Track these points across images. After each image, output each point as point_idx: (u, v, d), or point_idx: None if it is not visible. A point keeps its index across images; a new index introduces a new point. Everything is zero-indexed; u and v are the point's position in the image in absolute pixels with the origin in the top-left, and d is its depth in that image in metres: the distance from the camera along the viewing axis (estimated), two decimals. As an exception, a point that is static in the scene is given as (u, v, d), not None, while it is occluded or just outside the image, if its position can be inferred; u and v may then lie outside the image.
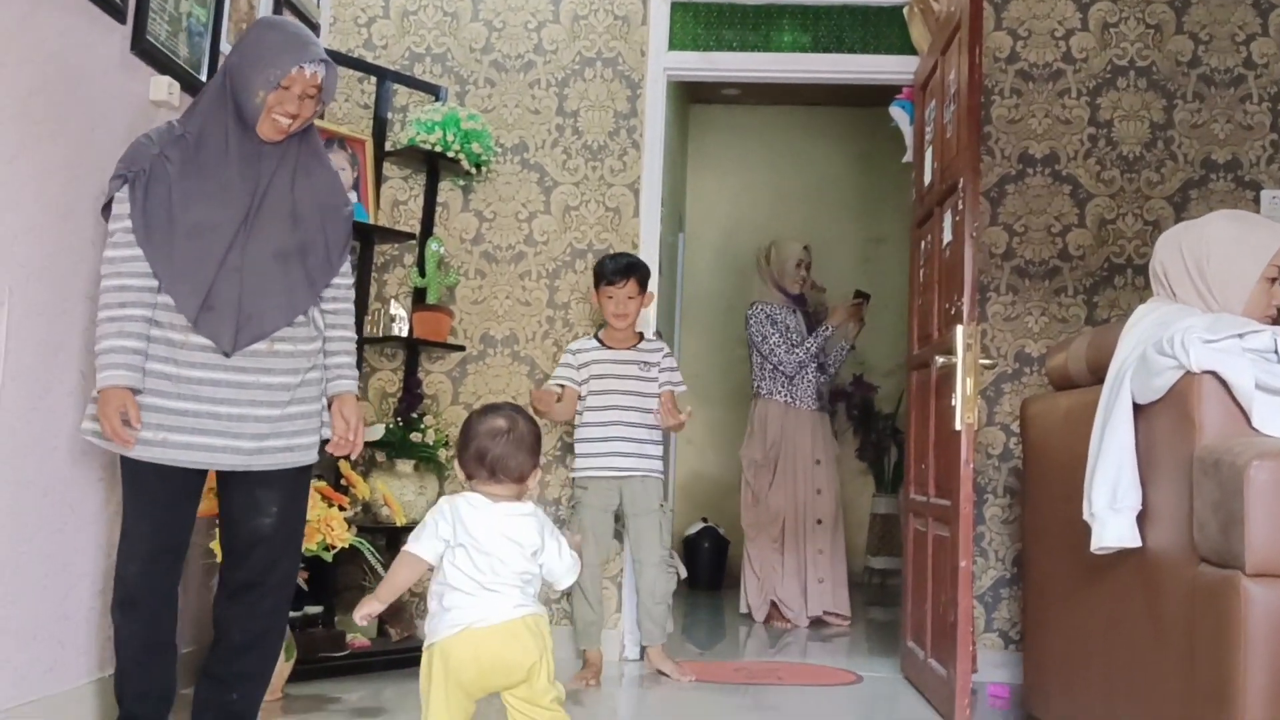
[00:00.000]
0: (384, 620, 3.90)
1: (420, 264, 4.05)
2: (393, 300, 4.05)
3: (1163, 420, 2.29)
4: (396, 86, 4.20)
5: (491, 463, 2.21)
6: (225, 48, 3.28)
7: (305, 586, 3.36)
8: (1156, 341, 2.29)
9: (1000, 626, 3.95)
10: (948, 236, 3.49)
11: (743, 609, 5.19)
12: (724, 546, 6.37)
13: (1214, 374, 2.16)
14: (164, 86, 2.99)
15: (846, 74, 4.31)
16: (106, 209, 2.45)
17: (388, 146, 4.12)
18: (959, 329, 3.22)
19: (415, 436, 3.83)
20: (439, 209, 4.21)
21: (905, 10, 4.15)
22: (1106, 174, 4.05)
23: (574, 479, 3.83)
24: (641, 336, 3.89)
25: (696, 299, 6.92)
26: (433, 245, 4.01)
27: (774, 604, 5.09)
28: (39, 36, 2.54)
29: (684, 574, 4.02)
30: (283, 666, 3.17)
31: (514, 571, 2.17)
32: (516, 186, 4.23)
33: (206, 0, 3.24)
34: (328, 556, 3.20)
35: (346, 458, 2.68)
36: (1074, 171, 4.06)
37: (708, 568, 6.27)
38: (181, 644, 2.62)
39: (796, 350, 5.07)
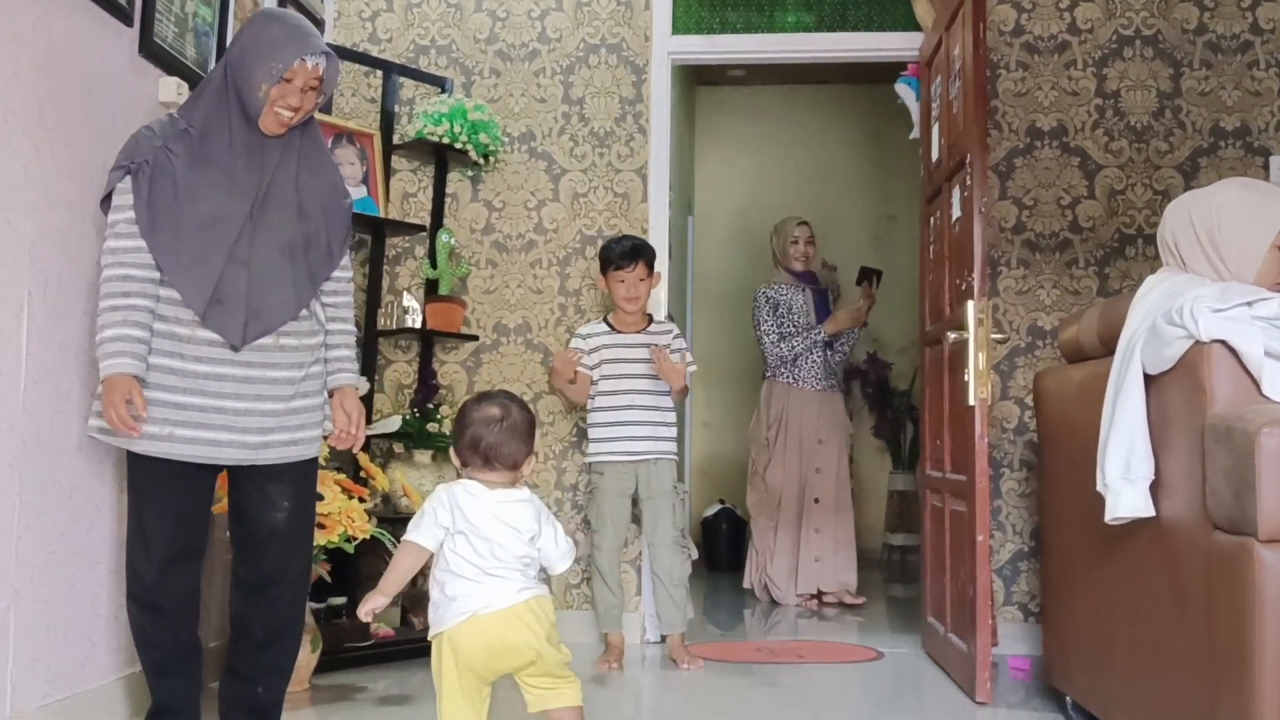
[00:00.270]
0: (407, 610, 3.94)
1: (431, 256, 4.08)
2: (405, 292, 4.08)
3: (1174, 390, 2.30)
4: (402, 79, 4.22)
5: (486, 450, 2.24)
6: (232, 47, 3.30)
7: (329, 578, 3.40)
8: (1166, 312, 2.29)
9: (1020, 600, 3.96)
10: (957, 212, 3.50)
11: (745, 584, 5.25)
12: (742, 527, 6.39)
13: (1224, 343, 2.17)
14: (173, 87, 3.01)
15: (851, 52, 4.31)
16: (106, 201, 2.43)
17: (395, 140, 4.14)
18: (970, 304, 3.23)
19: (432, 427, 3.87)
20: (448, 200, 4.23)
21: (909, -14, 4.14)
22: (1115, 145, 4.04)
23: (589, 464, 3.85)
24: (651, 319, 3.90)
25: (708, 281, 6.93)
26: (443, 236, 4.04)
27: (765, 582, 5.13)
28: (50, 42, 2.57)
29: (695, 555, 4.04)
30: (309, 658, 3.21)
31: (514, 556, 2.21)
32: (525, 175, 4.24)
33: (211, 0, 3.26)
34: (350, 548, 3.23)
35: (349, 450, 2.68)
36: (1082, 143, 4.05)
37: (726, 549, 6.30)
38: (207, 639, 2.66)
39: (781, 345, 5.07)
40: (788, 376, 5.12)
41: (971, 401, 3.20)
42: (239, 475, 2.51)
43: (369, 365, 3.96)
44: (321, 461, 3.22)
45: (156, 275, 2.36)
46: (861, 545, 5.19)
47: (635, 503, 3.83)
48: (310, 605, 3.29)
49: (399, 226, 4.08)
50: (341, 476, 3.33)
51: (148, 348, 2.35)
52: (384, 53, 4.27)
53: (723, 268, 6.99)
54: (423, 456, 3.90)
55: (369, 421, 3.86)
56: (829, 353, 5.17)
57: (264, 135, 2.46)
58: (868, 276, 5.28)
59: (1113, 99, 4.05)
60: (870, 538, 6.39)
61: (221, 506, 2.63)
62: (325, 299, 2.59)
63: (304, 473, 2.56)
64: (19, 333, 2.47)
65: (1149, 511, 2.34)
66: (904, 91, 4.22)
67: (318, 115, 3.69)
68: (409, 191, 4.26)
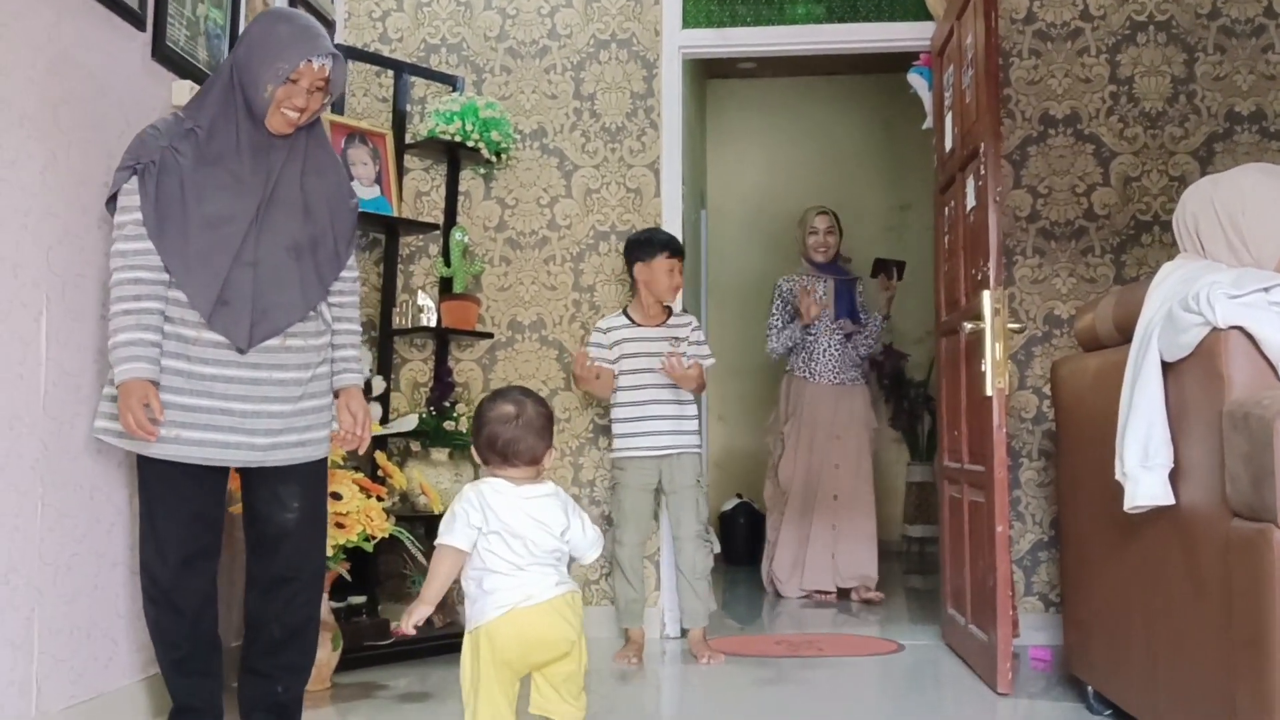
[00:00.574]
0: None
1: (445, 254, 4.09)
2: (420, 291, 4.09)
3: (1191, 377, 2.28)
4: (414, 79, 4.23)
5: (503, 448, 2.26)
6: (244, 49, 3.31)
7: (349, 577, 3.41)
8: (1182, 299, 2.28)
9: (1040, 590, 3.95)
10: (971, 202, 3.48)
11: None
12: (760, 521, 6.38)
13: (1241, 329, 2.16)
14: (185, 90, 3.02)
15: (862, 43, 4.29)
16: (112, 201, 2.42)
17: (407, 139, 4.15)
18: (986, 294, 3.22)
19: (448, 425, 3.88)
20: (461, 198, 4.24)
21: (919, -24, 4.13)
22: (1129, 131, 4.01)
23: (612, 460, 3.85)
24: (670, 311, 3.90)
25: (723, 274, 6.92)
26: (457, 235, 4.04)
27: (771, 576, 5.12)
28: (63, 47, 2.59)
29: (718, 548, 4.04)
30: (330, 656, 3.22)
31: (546, 551, 2.23)
32: (537, 172, 4.25)
33: (223, 2, 3.27)
34: (369, 547, 3.24)
35: (357, 451, 2.68)
36: (1096, 130, 4.03)
37: (744, 543, 6.30)
38: (228, 638, 2.68)
39: (771, 340, 5.06)
40: (803, 370, 5.08)
41: (989, 391, 3.19)
42: (250, 477, 2.52)
43: (385, 364, 3.98)
44: (339, 461, 3.24)
45: (166, 277, 2.36)
46: (880, 537, 5.16)
47: (656, 497, 3.83)
48: (330, 604, 3.31)
49: (412, 225, 4.09)
50: (360, 476, 3.34)
51: (160, 350, 2.35)
52: (395, 52, 4.28)
53: (736, 261, 6.99)
54: (440, 454, 3.92)
55: (386, 420, 3.88)
56: (848, 345, 5.09)
57: (271, 135, 2.46)
58: (884, 268, 5.23)
59: (1126, 85, 4.02)
60: (889, 529, 6.37)
61: (239, 508, 2.64)
62: (331, 299, 2.59)
63: (314, 473, 2.56)
64: (38, 336, 2.49)
65: (1168, 499, 2.34)
66: (916, 81, 4.21)
67: (330, 115, 3.71)
68: (422, 190, 4.27)
